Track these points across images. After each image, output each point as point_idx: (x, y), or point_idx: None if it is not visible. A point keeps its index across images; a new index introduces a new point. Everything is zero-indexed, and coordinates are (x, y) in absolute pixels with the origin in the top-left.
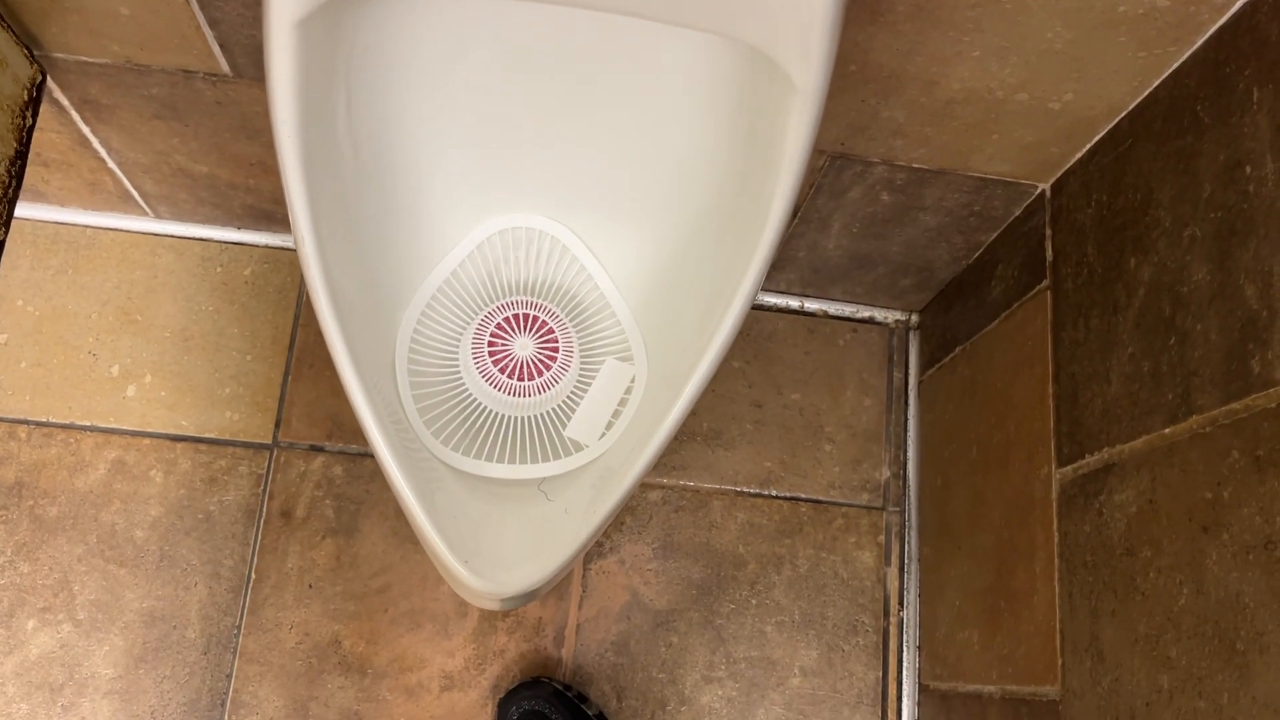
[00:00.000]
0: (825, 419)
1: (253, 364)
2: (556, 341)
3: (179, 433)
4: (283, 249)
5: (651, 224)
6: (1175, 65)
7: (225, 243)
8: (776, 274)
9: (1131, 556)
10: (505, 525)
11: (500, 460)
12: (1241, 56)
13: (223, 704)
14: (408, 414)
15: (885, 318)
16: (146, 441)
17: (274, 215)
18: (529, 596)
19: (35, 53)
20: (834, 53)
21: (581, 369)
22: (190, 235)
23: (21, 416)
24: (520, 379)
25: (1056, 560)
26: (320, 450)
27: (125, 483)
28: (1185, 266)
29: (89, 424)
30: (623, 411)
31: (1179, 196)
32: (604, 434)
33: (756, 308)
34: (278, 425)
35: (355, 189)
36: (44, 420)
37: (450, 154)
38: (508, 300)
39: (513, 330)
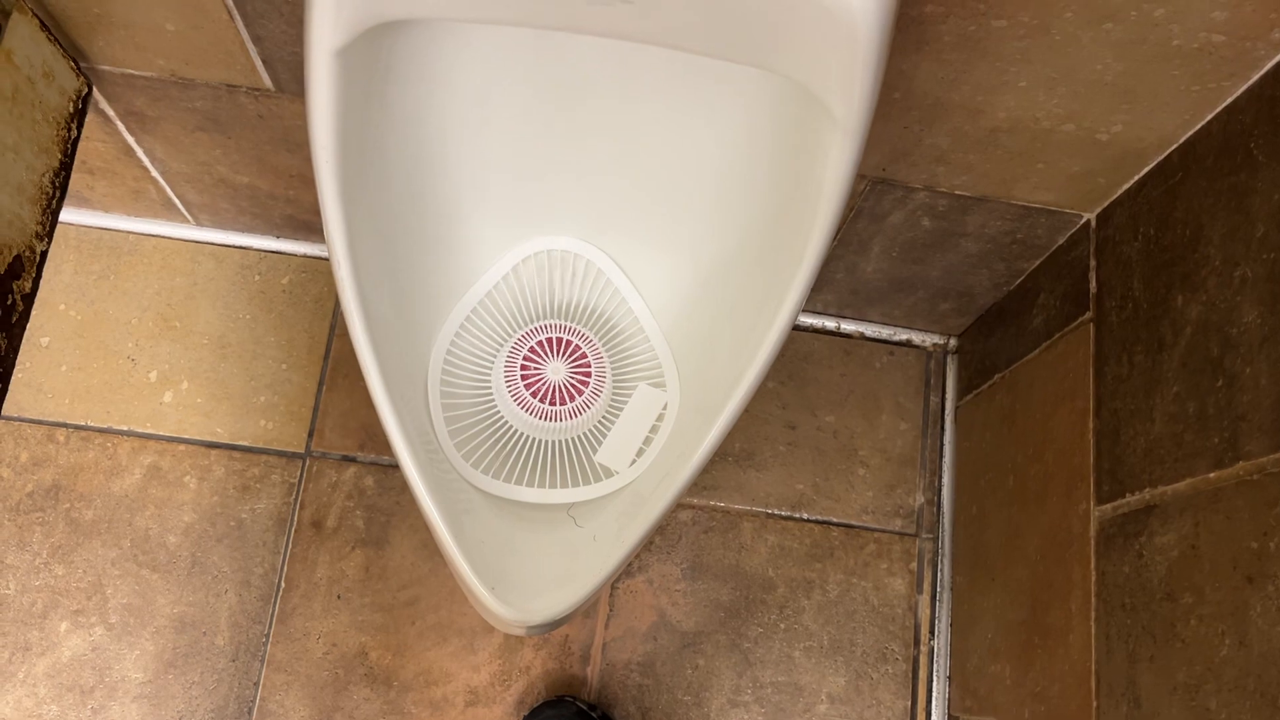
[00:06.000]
0: (859, 442)
1: (288, 373)
2: (589, 366)
3: (214, 440)
4: (320, 259)
5: (688, 251)
6: (1230, 100)
7: (264, 251)
8: (814, 294)
9: (1172, 602)
10: (533, 550)
11: (530, 484)
12: None
13: (250, 712)
14: (438, 435)
15: (923, 341)
16: (182, 448)
17: (312, 225)
18: (555, 624)
19: (81, 65)
20: (878, 89)
21: (614, 394)
22: (230, 243)
23: (60, 420)
24: (552, 403)
25: (1094, 600)
26: (352, 461)
27: (160, 488)
28: (1235, 308)
29: (126, 429)
30: (654, 439)
31: (1230, 235)
32: (634, 461)
33: (793, 327)
34: (311, 435)
35: (392, 211)
36: (82, 424)
37: (487, 177)
38: (541, 323)
39: (546, 354)
